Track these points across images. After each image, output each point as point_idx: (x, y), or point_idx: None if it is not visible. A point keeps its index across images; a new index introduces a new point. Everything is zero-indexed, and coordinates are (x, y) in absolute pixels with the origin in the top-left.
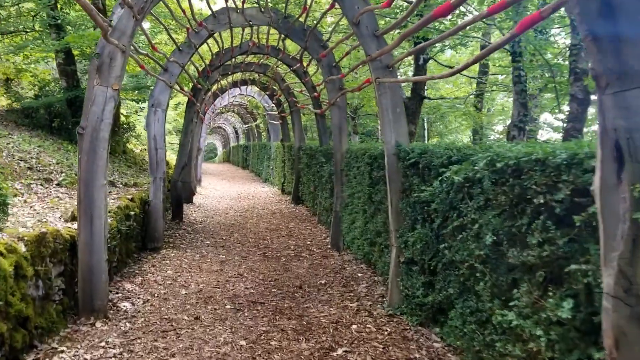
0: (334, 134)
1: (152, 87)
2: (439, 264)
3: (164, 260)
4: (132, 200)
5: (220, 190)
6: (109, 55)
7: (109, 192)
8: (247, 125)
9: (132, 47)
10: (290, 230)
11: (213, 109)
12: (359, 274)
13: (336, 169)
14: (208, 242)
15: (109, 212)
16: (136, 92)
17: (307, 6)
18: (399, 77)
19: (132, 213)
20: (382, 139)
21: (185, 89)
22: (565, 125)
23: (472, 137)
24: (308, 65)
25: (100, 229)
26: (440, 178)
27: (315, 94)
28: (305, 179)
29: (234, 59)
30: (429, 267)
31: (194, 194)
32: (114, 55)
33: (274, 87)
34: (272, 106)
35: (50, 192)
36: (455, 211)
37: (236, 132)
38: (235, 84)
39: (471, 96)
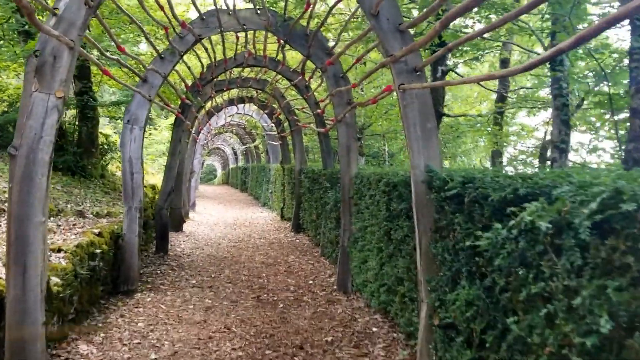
0: (341, 155)
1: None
2: (500, 341)
3: (137, 307)
4: (99, 235)
5: (215, 216)
6: (52, 53)
7: (74, 224)
8: (245, 146)
9: (101, 52)
10: (290, 266)
11: (209, 129)
12: (374, 329)
13: (344, 197)
14: (194, 282)
15: (66, 251)
16: (122, 107)
17: (311, 2)
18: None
19: (98, 251)
20: (391, 161)
21: (173, 105)
22: (625, 146)
23: (491, 160)
24: (311, 77)
25: (37, 282)
26: (509, 222)
27: (319, 110)
28: (307, 205)
29: (229, 73)
30: (481, 341)
31: (184, 221)
32: (59, 53)
33: (273, 104)
34: (272, 126)
35: None
36: (532, 270)
37: (235, 154)
38: (231, 102)
39: (491, 114)
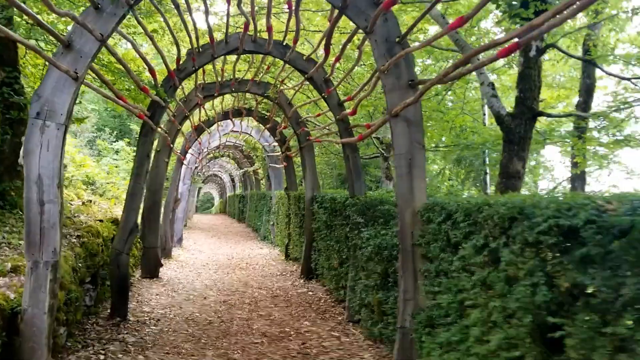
0: (399, 174)
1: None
2: None
3: None
4: None
5: (206, 253)
6: None
7: None
8: (242, 171)
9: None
10: (305, 342)
11: (199, 149)
12: None
13: (403, 243)
14: None
15: None
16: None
17: None
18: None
19: None
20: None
21: (131, 102)
22: None
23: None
24: (336, 62)
25: None
26: None
27: (348, 111)
28: (323, 244)
29: (219, 71)
30: None
31: (162, 265)
32: None
33: (277, 117)
34: (274, 146)
35: None
36: None
37: (232, 180)
38: (225, 115)
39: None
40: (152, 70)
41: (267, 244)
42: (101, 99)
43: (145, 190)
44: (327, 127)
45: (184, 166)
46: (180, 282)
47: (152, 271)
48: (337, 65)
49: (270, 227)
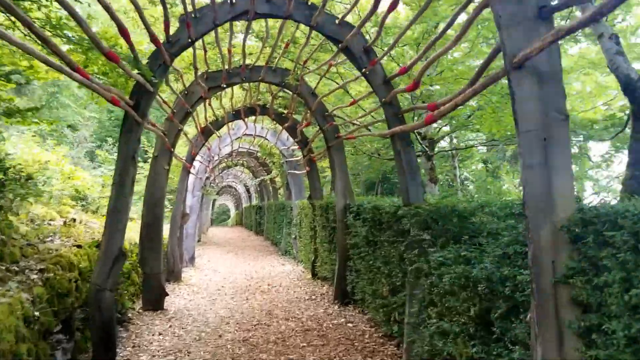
0: (527, 164)
1: None
2: None
3: None
4: None
5: (222, 273)
6: None
7: None
8: (258, 179)
9: None
10: None
11: (209, 156)
12: None
13: (538, 278)
14: None
15: None
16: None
17: None
18: None
19: None
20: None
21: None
22: None
23: None
24: (389, 14)
25: None
26: None
27: (409, 85)
28: (364, 265)
29: (226, 47)
30: None
31: (167, 294)
32: None
33: (297, 113)
34: (293, 150)
35: None
36: None
37: (248, 191)
38: (237, 115)
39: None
40: (124, 31)
41: (289, 260)
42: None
43: (131, 204)
44: (355, 122)
45: (191, 176)
46: (190, 314)
47: (155, 302)
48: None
49: (292, 240)
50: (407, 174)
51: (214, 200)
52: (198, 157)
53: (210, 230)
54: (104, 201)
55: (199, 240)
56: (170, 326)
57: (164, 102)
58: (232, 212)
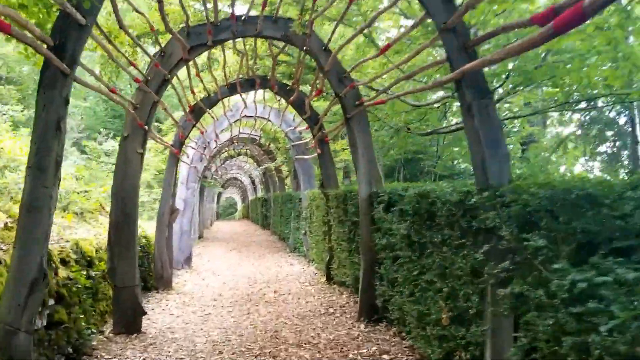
0: None
1: None
2: None
3: None
4: None
5: (222, 276)
6: None
7: None
8: (261, 168)
9: None
10: None
11: (204, 142)
12: None
13: None
14: None
15: None
16: None
17: None
18: None
19: None
20: None
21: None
22: None
23: None
24: None
25: None
26: None
27: None
28: (402, 274)
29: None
30: None
31: (144, 313)
32: None
33: (305, 83)
34: (300, 133)
35: None
36: None
37: (253, 183)
38: (232, 88)
39: None
40: None
41: (299, 258)
42: (98, 96)
43: (56, 197)
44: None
45: (184, 165)
46: (173, 338)
47: (128, 324)
48: None
49: (301, 236)
50: (484, 143)
51: (220, 193)
52: (191, 144)
53: (215, 224)
54: (77, 197)
55: (200, 237)
56: (145, 359)
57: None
58: (239, 205)
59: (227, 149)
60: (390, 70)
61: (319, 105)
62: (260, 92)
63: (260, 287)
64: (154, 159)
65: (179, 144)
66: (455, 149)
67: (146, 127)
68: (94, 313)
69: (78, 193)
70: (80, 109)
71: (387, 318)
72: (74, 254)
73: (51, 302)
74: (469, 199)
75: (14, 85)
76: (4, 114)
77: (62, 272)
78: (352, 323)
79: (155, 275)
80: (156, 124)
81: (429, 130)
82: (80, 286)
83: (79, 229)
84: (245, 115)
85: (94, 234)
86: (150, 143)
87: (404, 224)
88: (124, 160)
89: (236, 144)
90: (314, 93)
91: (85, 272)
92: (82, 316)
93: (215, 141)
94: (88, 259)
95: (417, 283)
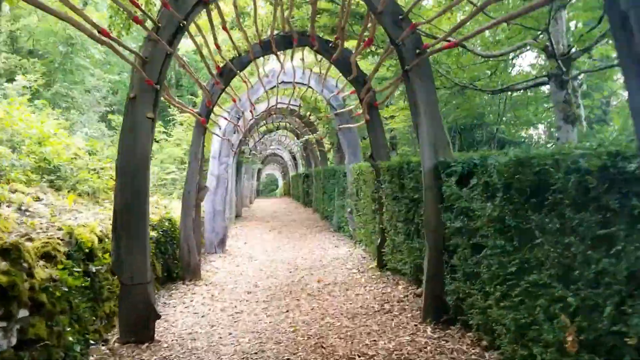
0: None
1: None
2: None
3: None
4: None
5: (258, 261)
6: None
7: None
8: (301, 140)
9: None
10: None
11: (238, 112)
12: None
13: None
14: None
15: None
16: None
17: None
18: None
19: None
20: None
21: None
22: None
23: None
24: None
25: None
26: None
27: None
28: (490, 271)
29: None
30: None
31: (158, 316)
32: None
33: (351, 37)
34: (343, 100)
35: None
36: None
37: (294, 158)
38: (266, 47)
39: None
40: None
41: (345, 239)
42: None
43: None
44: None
45: (216, 138)
46: (194, 348)
47: (138, 331)
48: None
49: (346, 215)
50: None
51: (259, 169)
52: (224, 114)
53: (256, 202)
54: (83, 174)
55: (237, 216)
56: None
57: (134, 4)
58: (280, 182)
59: (264, 122)
60: (459, 1)
61: (365, 67)
62: (298, 55)
63: (302, 274)
64: (187, 132)
65: (207, 111)
66: (528, 110)
67: (157, 87)
68: (94, 319)
69: (89, 171)
70: (109, 83)
71: (461, 321)
72: (64, 246)
73: (23, 313)
74: (622, 164)
75: (39, 58)
76: (28, 87)
77: (42, 273)
78: (415, 325)
79: (181, 264)
80: (190, 96)
81: (501, 88)
82: (67, 288)
83: (84, 212)
84: (282, 82)
85: (101, 219)
86: (183, 116)
87: (492, 202)
88: (131, 126)
89: (274, 115)
90: (362, 45)
91: (80, 269)
92: (73, 327)
93: (251, 111)
94: (87, 250)
95: (515, 283)
